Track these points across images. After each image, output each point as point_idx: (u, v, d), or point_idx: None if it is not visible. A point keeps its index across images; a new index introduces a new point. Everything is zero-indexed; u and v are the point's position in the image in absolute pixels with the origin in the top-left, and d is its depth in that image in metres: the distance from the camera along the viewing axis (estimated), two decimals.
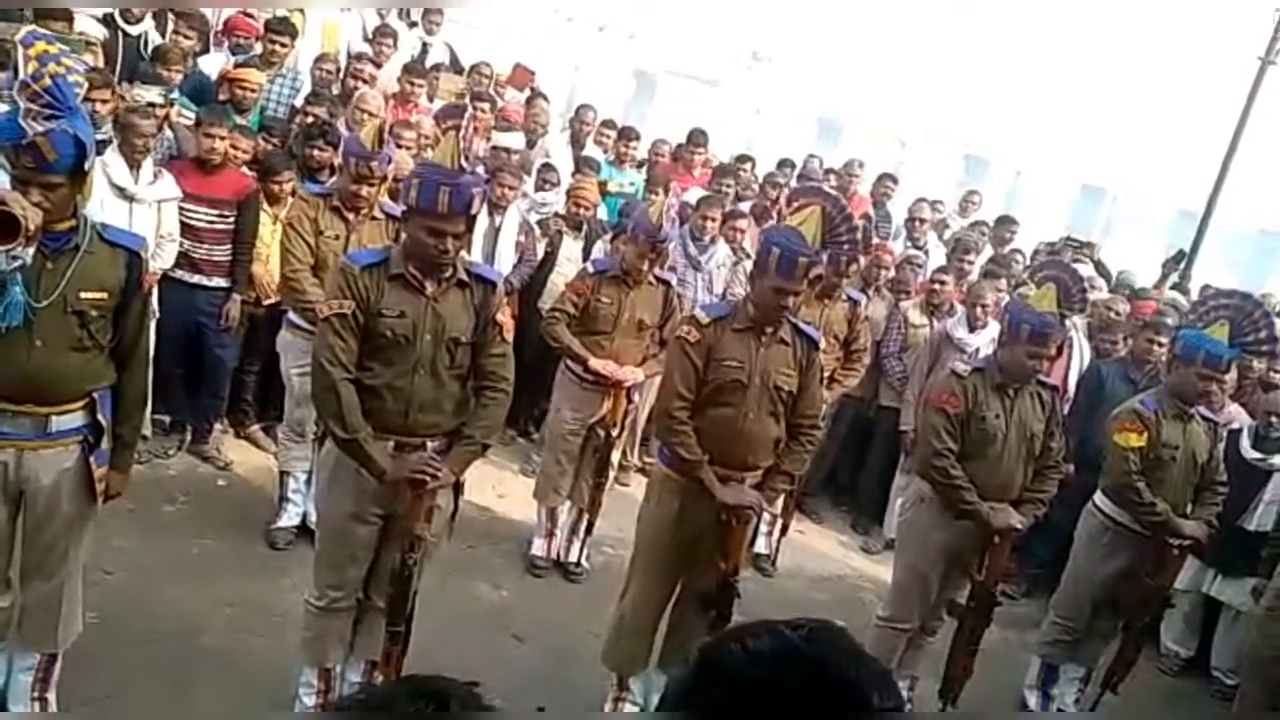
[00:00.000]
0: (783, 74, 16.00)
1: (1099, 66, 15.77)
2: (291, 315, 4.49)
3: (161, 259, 4.72)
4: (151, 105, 5.03)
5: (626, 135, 7.59)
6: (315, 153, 5.17)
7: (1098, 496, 4.48)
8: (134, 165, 4.57)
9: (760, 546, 5.41)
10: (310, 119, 5.56)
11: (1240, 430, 5.22)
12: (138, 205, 4.59)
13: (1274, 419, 5.16)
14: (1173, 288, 8.82)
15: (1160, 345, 5.55)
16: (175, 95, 5.50)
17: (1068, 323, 5.85)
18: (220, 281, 5.02)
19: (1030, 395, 4.05)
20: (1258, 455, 5.16)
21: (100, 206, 4.25)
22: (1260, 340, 5.30)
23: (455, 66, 8.31)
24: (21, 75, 2.62)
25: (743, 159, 8.13)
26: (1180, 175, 12.22)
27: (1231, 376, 5.28)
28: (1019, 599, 5.64)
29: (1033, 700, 4.63)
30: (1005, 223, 8.26)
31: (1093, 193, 17.19)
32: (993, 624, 4.06)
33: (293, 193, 5.05)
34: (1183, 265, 10.10)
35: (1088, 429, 5.27)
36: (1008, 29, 16.06)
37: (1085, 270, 7.29)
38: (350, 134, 5.09)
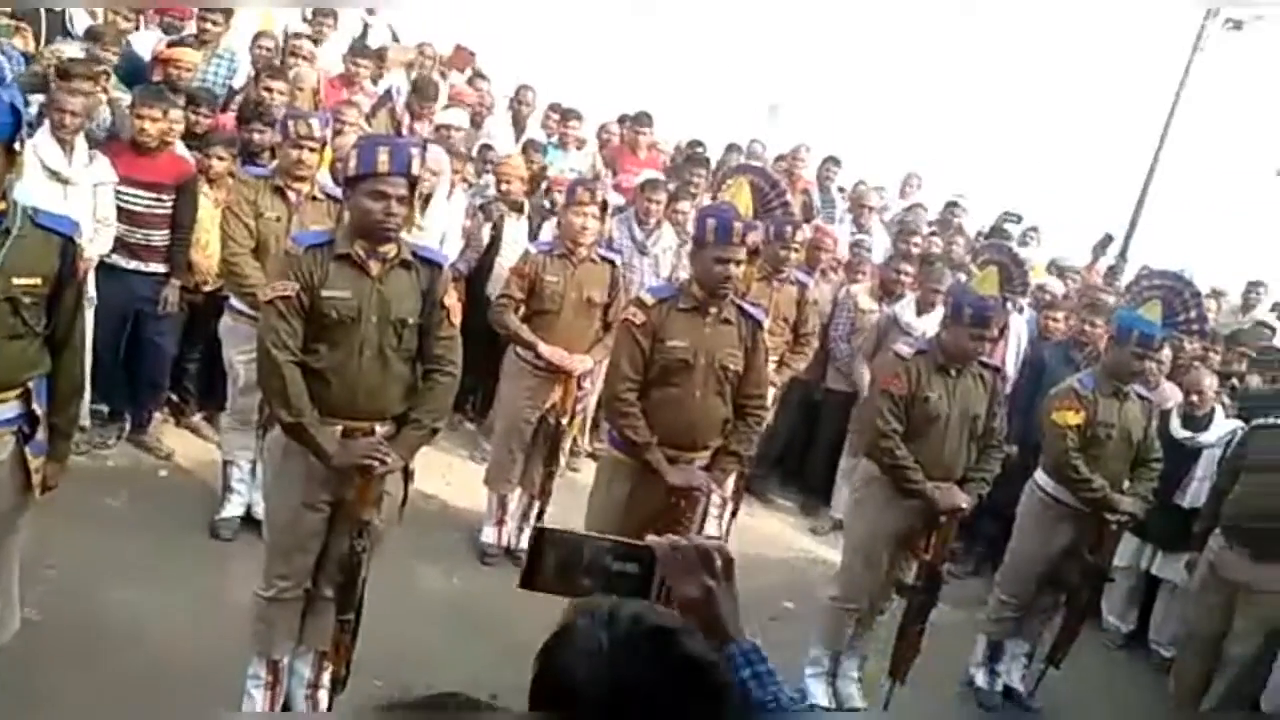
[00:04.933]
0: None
1: (1013, 98, 16.05)
2: (233, 300, 4.42)
3: (98, 244, 4.60)
4: (79, 68, 4.85)
5: (568, 116, 7.54)
6: (255, 136, 5.07)
7: (1038, 474, 4.57)
8: (67, 147, 4.44)
9: (711, 529, 5.43)
10: (266, 91, 5.45)
11: (1170, 410, 5.36)
12: (72, 188, 4.47)
13: (1195, 397, 5.30)
14: (1108, 270, 9.04)
15: (1097, 326, 5.68)
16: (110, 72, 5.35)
17: (1006, 306, 5.99)
18: (158, 267, 4.91)
19: (972, 376, 4.11)
20: (1186, 434, 5.30)
21: (33, 190, 4.13)
22: (1190, 320, 5.47)
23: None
24: None
25: (694, 144, 8.13)
26: (1098, 209, 12.59)
27: (1167, 355, 5.42)
28: (965, 577, 5.75)
29: (979, 677, 4.72)
30: (950, 207, 8.39)
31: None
32: (940, 602, 4.12)
33: (230, 175, 4.96)
34: (1108, 247, 10.35)
35: (1030, 409, 5.37)
36: (929, 65, 16.24)
37: (1026, 253, 7.47)
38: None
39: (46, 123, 4.44)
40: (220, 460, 4.69)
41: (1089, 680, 4.95)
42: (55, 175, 4.41)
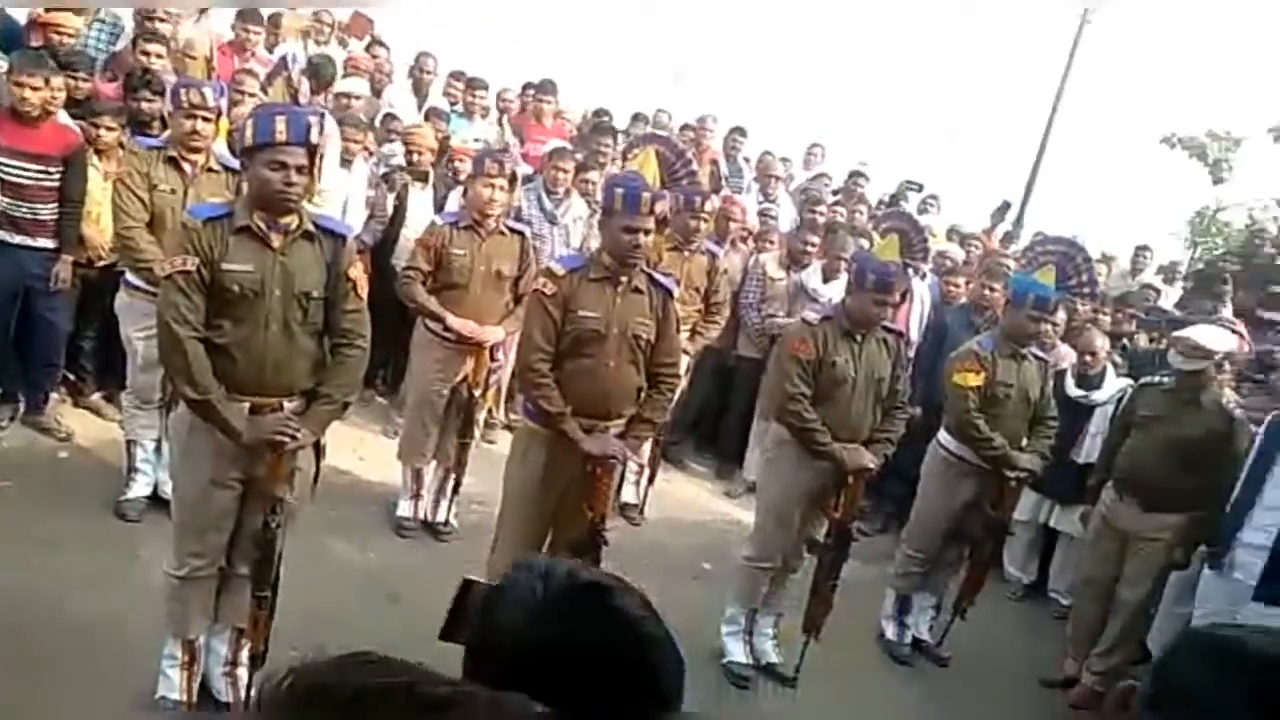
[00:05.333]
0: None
1: (911, 70, 16.44)
2: (129, 276, 4.26)
3: None
4: None
5: (474, 85, 7.44)
6: (143, 104, 4.88)
7: (941, 434, 4.72)
8: None
9: (629, 495, 5.50)
10: (144, 56, 5.22)
11: (1065, 370, 5.58)
12: None
13: (1088, 358, 5.53)
14: (1004, 236, 9.33)
15: (995, 291, 5.87)
16: None
17: (909, 272, 6.16)
18: (47, 242, 4.71)
19: (877, 341, 4.21)
20: (1080, 393, 5.53)
21: None
22: (1082, 284, 5.69)
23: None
24: None
25: (600, 113, 8.09)
26: (995, 178, 13.03)
27: (1061, 317, 5.64)
28: (874, 535, 5.92)
29: (890, 630, 4.88)
30: (854, 176, 8.53)
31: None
32: (850, 559, 4.23)
33: (120, 146, 4.78)
34: (1008, 213, 10.69)
35: (933, 372, 5.53)
36: (829, 34, 16.48)
37: (926, 220, 7.66)
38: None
39: None
40: (123, 440, 4.54)
41: (993, 629, 5.15)
42: None
